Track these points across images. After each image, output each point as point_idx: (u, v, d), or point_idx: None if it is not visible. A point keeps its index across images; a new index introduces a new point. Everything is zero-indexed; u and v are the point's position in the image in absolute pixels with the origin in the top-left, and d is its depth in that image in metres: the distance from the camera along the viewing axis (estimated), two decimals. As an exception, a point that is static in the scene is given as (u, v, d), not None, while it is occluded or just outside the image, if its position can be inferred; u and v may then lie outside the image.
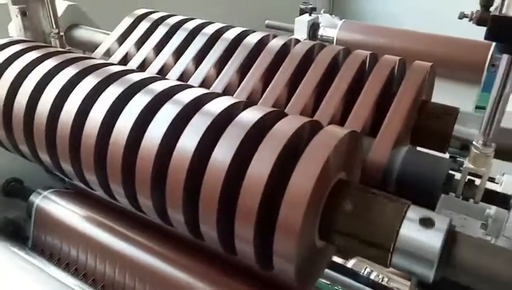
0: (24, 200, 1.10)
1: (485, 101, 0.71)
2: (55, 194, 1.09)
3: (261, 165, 0.57)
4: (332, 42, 2.45)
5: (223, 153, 0.60)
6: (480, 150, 0.64)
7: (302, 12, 3.30)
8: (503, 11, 0.53)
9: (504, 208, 0.72)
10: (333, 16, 3.47)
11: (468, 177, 0.68)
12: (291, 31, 2.77)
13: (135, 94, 0.71)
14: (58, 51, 0.87)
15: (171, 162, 0.64)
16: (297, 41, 0.98)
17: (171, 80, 0.77)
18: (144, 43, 1.07)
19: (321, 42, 0.94)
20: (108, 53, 1.10)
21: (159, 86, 0.72)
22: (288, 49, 0.95)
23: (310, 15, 2.59)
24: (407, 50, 2.27)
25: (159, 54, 1.03)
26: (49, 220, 1.05)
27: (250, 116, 0.64)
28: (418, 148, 0.86)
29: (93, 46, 1.21)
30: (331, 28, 2.62)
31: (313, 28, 2.55)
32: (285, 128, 0.61)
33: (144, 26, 1.10)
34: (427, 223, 0.52)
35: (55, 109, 0.75)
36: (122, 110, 0.70)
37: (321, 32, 2.52)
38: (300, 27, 2.56)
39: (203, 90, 0.72)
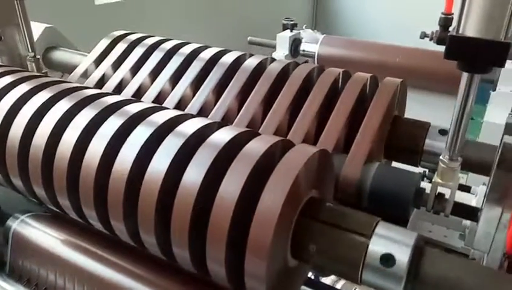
0: (1, 225, 1.08)
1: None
2: (32, 218, 1.08)
3: (231, 186, 0.58)
4: (314, 57, 2.49)
5: (194, 174, 0.61)
6: (447, 164, 0.65)
7: (285, 27, 3.35)
8: (460, 31, 0.55)
9: (473, 220, 0.73)
10: (315, 30, 3.53)
11: (438, 191, 0.69)
12: (273, 47, 2.80)
13: (108, 117, 0.71)
14: (33, 75, 0.87)
15: (142, 184, 0.64)
16: (273, 59, 1.00)
17: (145, 102, 0.78)
18: (121, 64, 1.07)
19: (295, 61, 0.96)
20: (85, 75, 1.10)
21: (132, 109, 0.73)
22: (263, 68, 0.96)
23: (291, 31, 2.63)
24: (387, 63, 2.31)
25: (135, 75, 1.04)
26: (27, 244, 1.03)
27: (222, 136, 0.65)
28: (393, 163, 0.88)
29: (71, 68, 1.21)
30: (313, 42, 2.67)
31: (295, 43, 2.59)
32: (256, 148, 0.61)
33: (121, 47, 1.11)
34: (387, 263, 0.53)
35: (28, 133, 0.75)
36: (95, 133, 0.70)
37: (302, 47, 2.56)
38: (282, 43, 2.60)
39: (176, 112, 0.73)
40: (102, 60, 1.10)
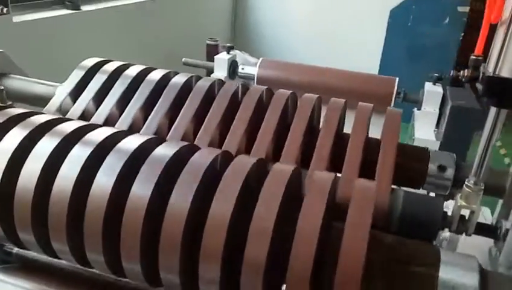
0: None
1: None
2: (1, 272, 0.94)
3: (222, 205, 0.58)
4: (253, 79, 2.53)
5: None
6: (472, 189, 0.72)
7: (210, 47, 3.36)
8: (496, 72, 0.62)
9: (494, 238, 0.81)
10: (243, 52, 3.60)
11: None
12: (206, 68, 2.79)
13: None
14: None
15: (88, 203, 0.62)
16: (222, 82, 1.00)
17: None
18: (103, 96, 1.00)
19: (269, 88, 0.98)
20: (60, 108, 1.00)
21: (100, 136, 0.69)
22: (213, 90, 0.97)
23: (228, 53, 2.65)
24: (322, 85, 2.45)
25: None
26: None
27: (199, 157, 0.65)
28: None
29: (32, 98, 1.10)
30: (245, 64, 2.71)
31: (233, 65, 2.61)
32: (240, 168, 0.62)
33: (100, 78, 1.02)
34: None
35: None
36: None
37: (240, 69, 2.58)
38: (220, 65, 2.60)
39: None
40: (79, 91, 1.01)
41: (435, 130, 2.26)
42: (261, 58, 2.55)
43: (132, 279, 0.66)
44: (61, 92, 1.02)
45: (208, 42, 3.37)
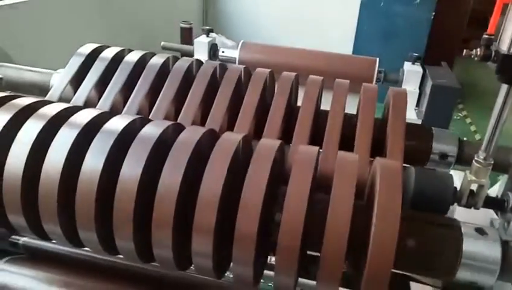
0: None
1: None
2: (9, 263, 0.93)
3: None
4: (234, 62, 2.51)
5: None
6: (482, 164, 0.76)
7: (184, 31, 3.29)
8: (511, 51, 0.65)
9: (501, 210, 0.86)
10: (219, 35, 3.55)
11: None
12: (185, 51, 2.74)
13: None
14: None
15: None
16: (200, 62, 1.02)
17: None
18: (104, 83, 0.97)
19: (247, 68, 0.99)
20: (61, 96, 0.97)
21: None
22: (191, 70, 0.99)
23: (207, 36, 2.60)
24: (304, 67, 2.45)
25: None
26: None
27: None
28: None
29: (25, 85, 1.07)
30: (224, 47, 2.68)
31: (213, 48, 2.58)
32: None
33: (101, 65, 1.00)
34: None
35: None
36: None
37: (221, 52, 2.55)
38: (200, 48, 2.56)
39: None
40: (80, 78, 0.98)
41: (415, 109, 2.32)
42: (241, 41, 2.52)
43: (161, 263, 0.66)
44: (58, 79, 0.99)
45: (182, 25, 3.30)
